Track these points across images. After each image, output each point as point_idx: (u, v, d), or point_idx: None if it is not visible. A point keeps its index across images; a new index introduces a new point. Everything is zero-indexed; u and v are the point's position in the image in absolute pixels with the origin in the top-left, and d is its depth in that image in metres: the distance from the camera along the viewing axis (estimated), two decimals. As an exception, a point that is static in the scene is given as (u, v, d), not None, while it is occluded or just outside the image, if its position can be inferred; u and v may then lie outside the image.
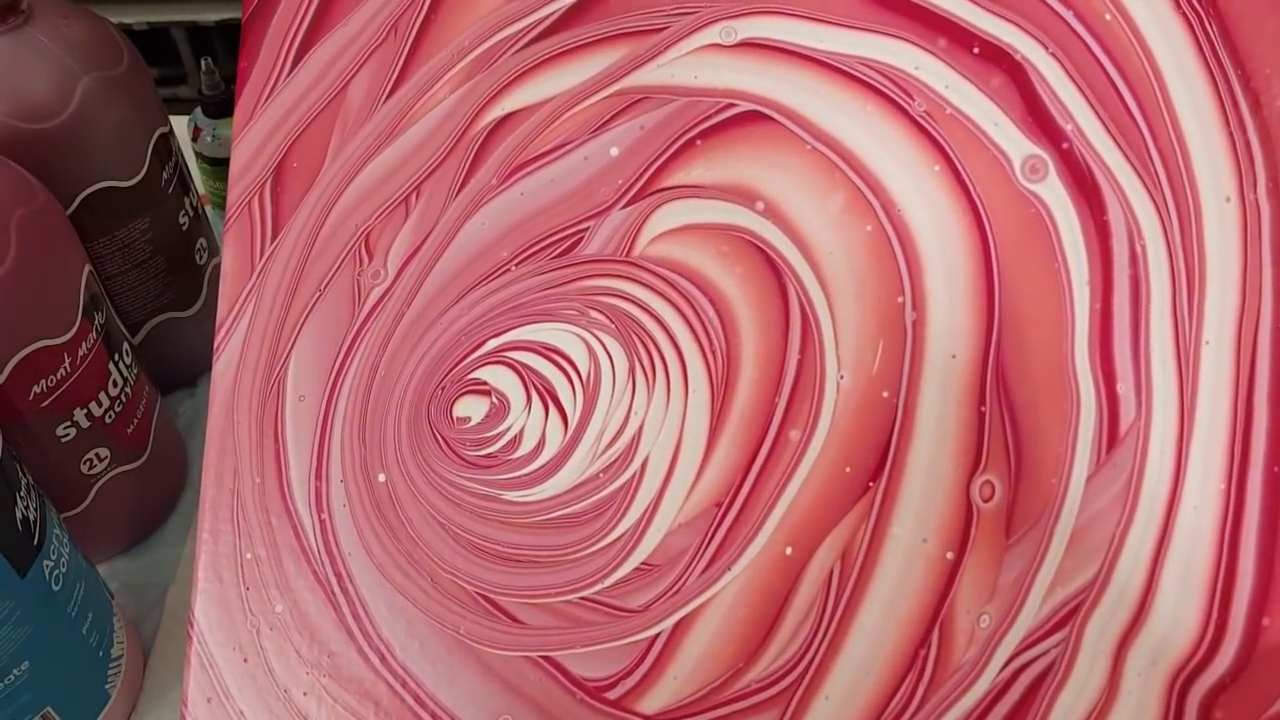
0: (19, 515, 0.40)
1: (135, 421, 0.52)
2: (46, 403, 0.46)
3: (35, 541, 0.41)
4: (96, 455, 0.50)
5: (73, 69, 0.49)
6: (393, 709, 0.37)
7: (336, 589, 0.38)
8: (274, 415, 0.38)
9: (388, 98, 0.38)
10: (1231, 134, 0.34)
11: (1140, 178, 0.34)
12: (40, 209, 0.44)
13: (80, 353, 0.46)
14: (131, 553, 0.57)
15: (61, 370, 0.46)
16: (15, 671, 0.41)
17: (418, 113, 0.38)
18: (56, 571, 0.42)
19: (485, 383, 0.38)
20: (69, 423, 0.48)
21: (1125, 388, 0.34)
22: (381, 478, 0.38)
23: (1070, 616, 0.34)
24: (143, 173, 0.53)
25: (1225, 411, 0.33)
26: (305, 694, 0.38)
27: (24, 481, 0.41)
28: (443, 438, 0.38)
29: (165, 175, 0.55)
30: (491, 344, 0.38)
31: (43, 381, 0.45)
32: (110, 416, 0.50)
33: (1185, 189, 0.34)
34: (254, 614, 0.38)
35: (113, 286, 0.56)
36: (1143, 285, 0.34)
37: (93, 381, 0.48)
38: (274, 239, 0.39)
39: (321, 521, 0.38)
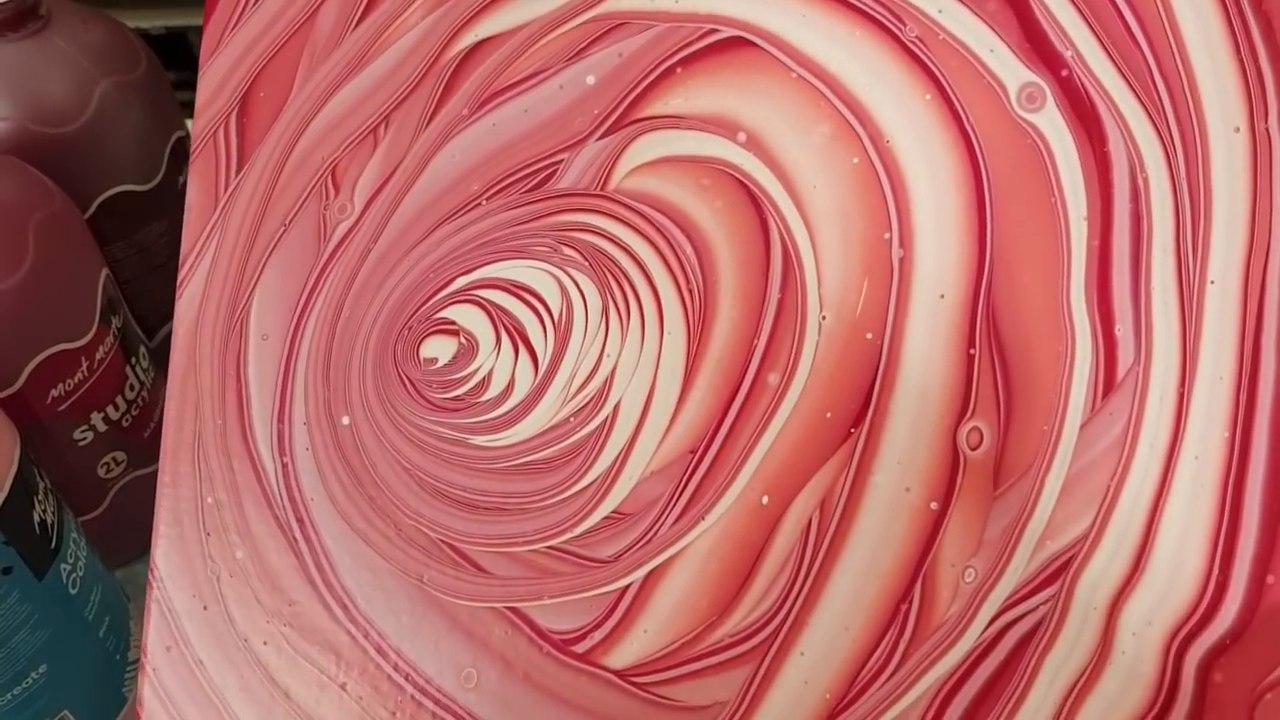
0: (37, 518, 0.38)
1: (152, 425, 0.51)
2: (64, 406, 0.44)
3: (53, 545, 0.39)
4: (114, 459, 0.49)
5: (90, 73, 0.47)
6: (354, 660, 0.34)
7: (298, 535, 0.35)
8: (236, 354, 0.35)
9: (357, 24, 0.35)
10: (1242, 60, 0.30)
11: (1144, 106, 0.30)
12: (58, 213, 0.43)
13: (98, 356, 0.45)
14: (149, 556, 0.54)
15: (79, 374, 0.44)
16: (33, 674, 0.39)
17: (388, 40, 0.35)
18: (74, 575, 0.41)
19: (454, 322, 0.34)
20: (86, 426, 0.46)
21: (1124, 329, 0.30)
22: (345, 420, 0.35)
23: (1061, 571, 0.30)
24: (160, 176, 0.52)
25: (1231, 355, 0.30)
26: (265, 643, 0.34)
27: (42, 485, 0.40)
28: (409, 379, 0.34)
29: (182, 179, 0.53)
30: (460, 281, 0.34)
31: (60, 385, 0.44)
32: (127, 420, 0.48)
33: (1191, 118, 0.30)
34: (214, 560, 0.35)
35: (130, 290, 0.54)
36: (1144, 221, 0.30)
37: (110, 385, 0.47)
38: (239, 171, 0.35)
39: (284, 465, 0.35)
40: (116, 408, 0.47)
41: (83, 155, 0.48)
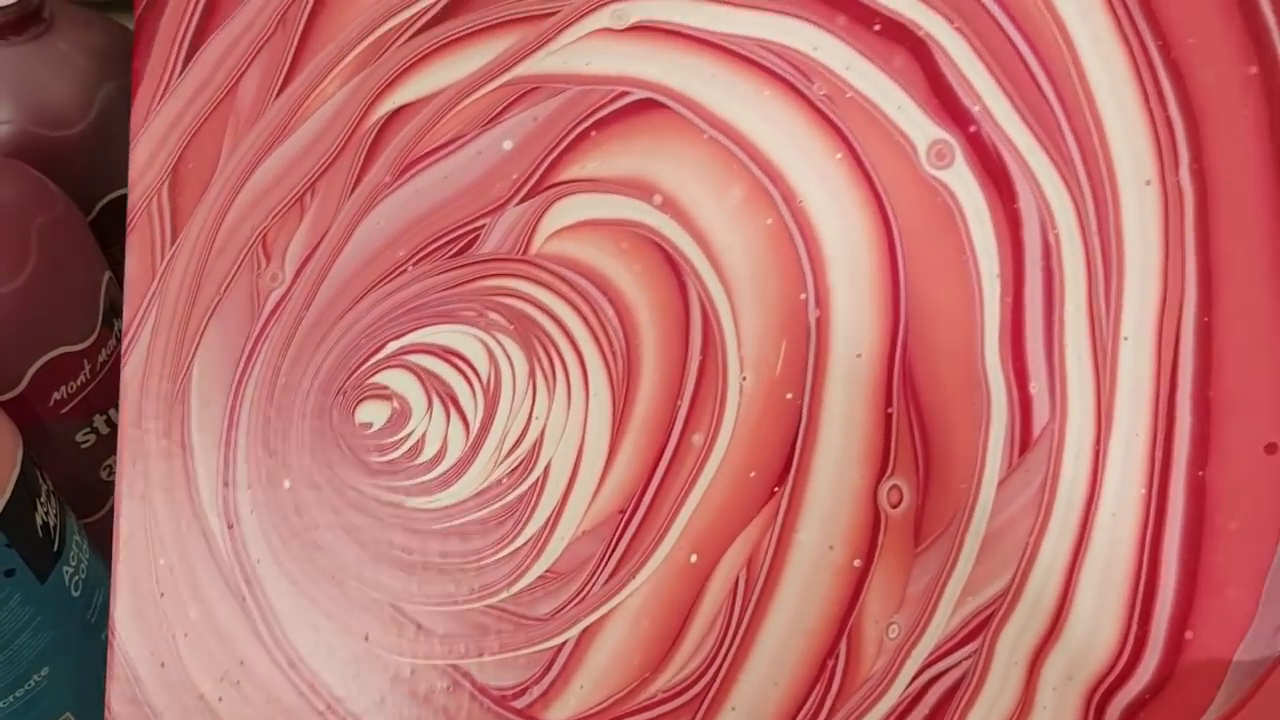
0: (39, 521, 0.38)
1: (155, 427, 0.50)
2: (67, 409, 0.44)
3: (55, 548, 0.39)
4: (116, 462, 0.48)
5: (93, 77, 0.47)
6: (303, 716, 0.35)
7: (247, 596, 0.35)
8: (180, 422, 0.35)
9: (278, 94, 0.35)
10: (1151, 111, 0.29)
11: (1053, 161, 0.30)
12: (61, 216, 0.42)
13: (100, 359, 0.44)
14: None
15: (82, 376, 0.44)
16: (35, 677, 0.39)
17: (309, 108, 0.35)
18: (76, 578, 0.40)
19: (386, 387, 0.34)
20: (89, 429, 0.46)
21: (1038, 387, 0.30)
22: (287, 484, 0.35)
23: (982, 627, 0.30)
24: (162, 178, 0.51)
25: (1145, 412, 0.29)
26: (220, 699, 0.35)
27: (44, 487, 0.39)
28: (346, 444, 0.35)
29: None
30: (391, 347, 0.34)
31: (63, 388, 0.43)
32: (130, 422, 0.47)
33: (1102, 172, 0.30)
34: (170, 620, 0.36)
35: (132, 292, 0.53)
36: (1056, 277, 0.30)
37: (113, 388, 0.45)
38: (174, 242, 0.35)
39: (230, 529, 0.35)
40: (119, 410, 0.47)
41: (85, 158, 0.48)
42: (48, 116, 0.46)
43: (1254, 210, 0.28)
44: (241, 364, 0.35)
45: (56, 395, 0.43)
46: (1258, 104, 0.28)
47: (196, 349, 0.35)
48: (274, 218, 0.35)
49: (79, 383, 0.44)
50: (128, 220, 0.36)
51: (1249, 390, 0.28)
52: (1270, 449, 0.28)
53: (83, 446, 0.46)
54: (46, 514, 0.39)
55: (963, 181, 0.30)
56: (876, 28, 0.30)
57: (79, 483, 0.48)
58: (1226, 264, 0.28)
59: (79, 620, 0.41)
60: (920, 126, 0.30)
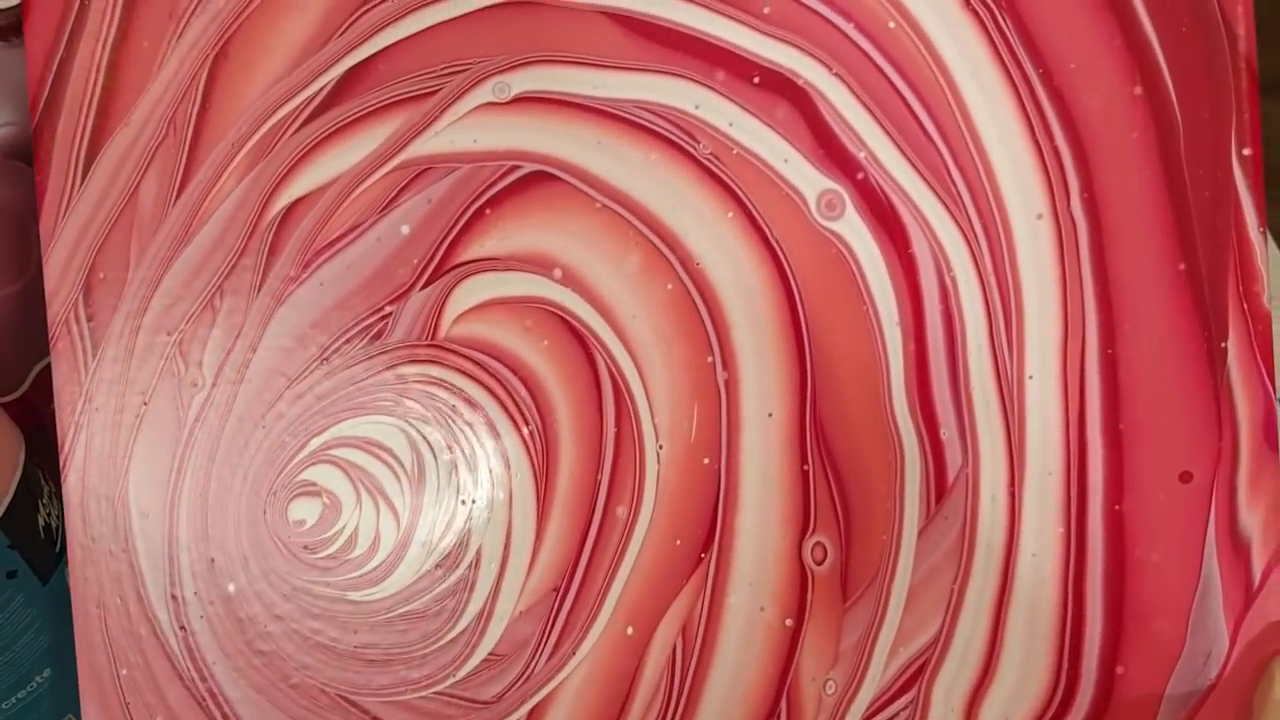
0: (41, 522, 0.38)
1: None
2: None
3: (57, 549, 0.39)
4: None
5: None
6: (276, 813, 0.35)
7: (208, 699, 0.36)
8: (124, 534, 0.36)
9: (177, 197, 0.35)
10: (1038, 141, 0.29)
11: (942, 202, 0.29)
12: None
13: None
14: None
15: None
16: (37, 679, 0.39)
17: (208, 209, 0.34)
18: None
19: (314, 483, 0.35)
20: None
21: (949, 433, 0.30)
22: (231, 588, 0.35)
23: (917, 676, 0.30)
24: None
25: (1057, 449, 0.29)
26: (195, 800, 0.36)
27: (46, 489, 0.39)
28: (282, 542, 0.35)
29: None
30: (314, 443, 0.34)
31: None
32: (130, 423, 0.47)
33: (992, 209, 0.29)
34: (138, 726, 0.36)
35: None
36: (956, 321, 0.30)
37: None
38: (95, 355, 0.36)
39: (183, 635, 0.36)
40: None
41: None
42: None
43: (1148, 235, 0.28)
44: (174, 472, 0.35)
45: None
46: (1145, 125, 0.28)
47: (129, 461, 0.35)
48: (187, 322, 0.35)
49: None
50: (49, 335, 0.36)
51: (1159, 420, 0.28)
52: (1185, 477, 0.28)
53: None
54: (49, 515, 0.39)
55: (854, 230, 0.30)
56: (756, 80, 0.30)
57: None
58: (1125, 293, 0.28)
59: None
60: (808, 178, 0.30)
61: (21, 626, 0.38)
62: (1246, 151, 0.27)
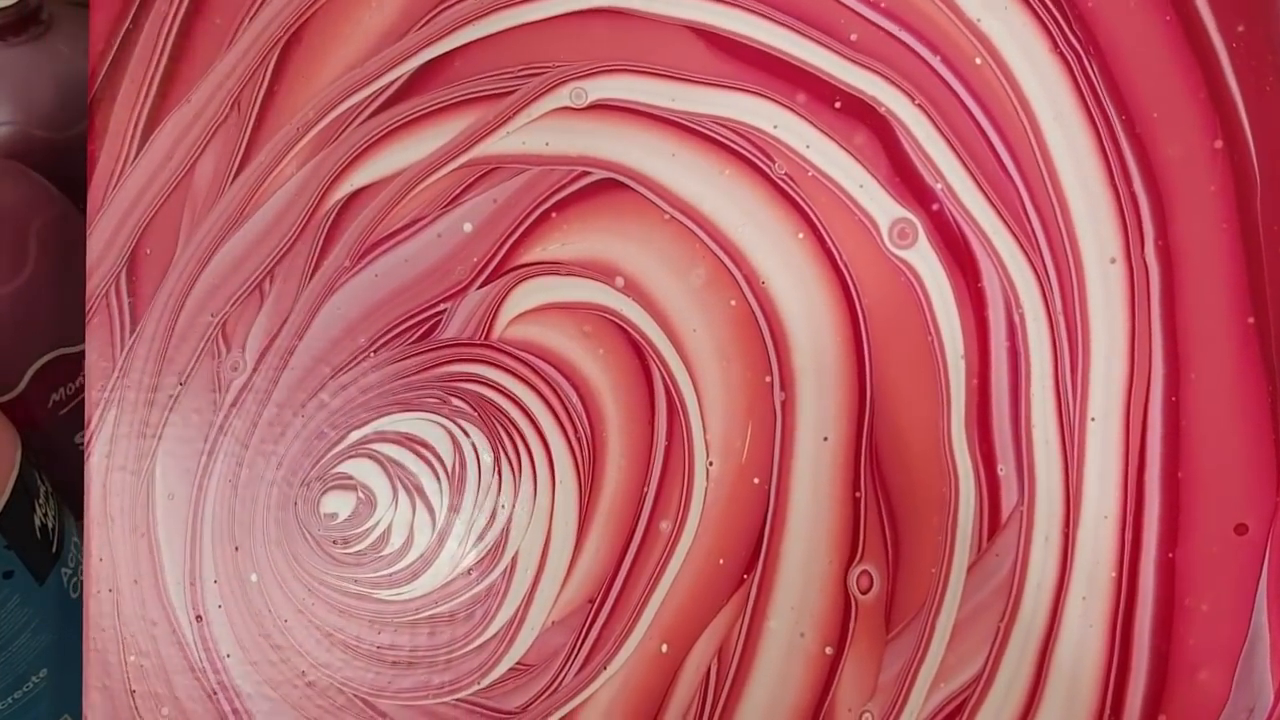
0: (38, 523, 0.38)
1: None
2: (65, 411, 0.44)
3: (54, 549, 0.39)
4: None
5: None
6: (279, 813, 0.35)
7: (218, 690, 0.35)
8: (146, 515, 0.36)
9: (234, 177, 0.35)
10: (1116, 187, 0.29)
11: (1016, 239, 0.30)
12: (59, 217, 0.43)
13: None
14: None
15: (80, 379, 0.43)
16: (34, 679, 0.39)
17: (265, 192, 0.35)
18: (74, 579, 0.41)
19: (351, 477, 0.35)
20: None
21: (1006, 469, 0.30)
22: (254, 578, 0.35)
23: (956, 714, 0.31)
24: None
25: (1114, 493, 0.30)
26: (195, 796, 0.36)
27: (43, 489, 0.39)
28: (311, 535, 0.35)
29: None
30: (354, 436, 0.35)
31: (61, 389, 0.43)
32: (128, 423, 0.47)
33: (1066, 250, 0.30)
34: (142, 715, 0.36)
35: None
36: (1022, 358, 0.30)
37: None
38: (133, 331, 0.36)
39: (198, 622, 0.35)
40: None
41: (84, 160, 0.47)
42: (46, 118, 0.46)
43: (1220, 287, 0.29)
44: (204, 456, 0.35)
45: (55, 396, 0.44)
46: (1224, 179, 0.29)
47: (159, 440, 0.35)
48: (233, 304, 0.35)
49: (77, 384, 0.44)
50: (86, 308, 0.36)
51: (1218, 470, 0.29)
52: (1240, 529, 0.28)
53: (81, 448, 0.45)
54: (45, 515, 0.39)
55: (926, 261, 0.30)
56: (837, 105, 0.31)
57: (78, 484, 0.47)
58: (1193, 342, 0.29)
59: (78, 622, 0.40)
60: (882, 205, 0.30)
61: (18, 626, 0.38)
62: (1320, 213, 0.28)
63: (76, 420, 0.44)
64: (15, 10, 0.44)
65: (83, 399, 0.42)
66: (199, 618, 0.35)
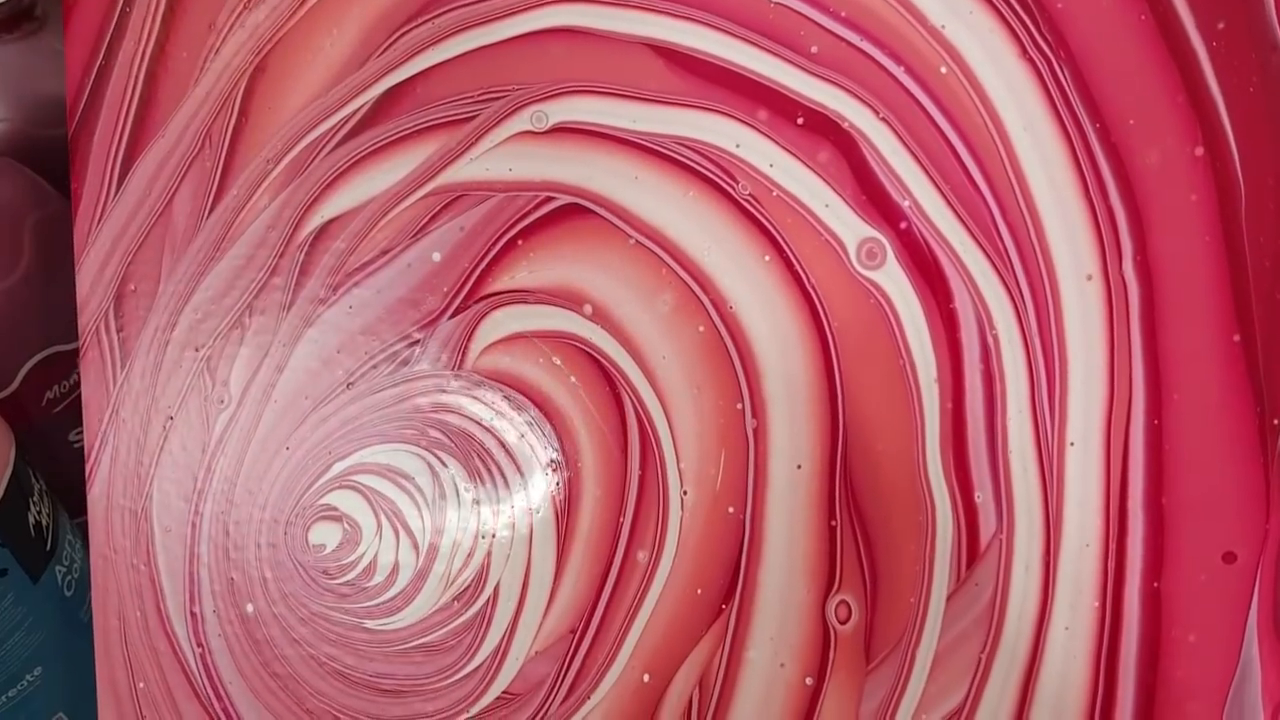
0: (32, 520, 0.38)
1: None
2: (59, 409, 0.45)
3: (48, 547, 0.40)
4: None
5: None
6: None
7: (222, 718, 0.37)
8: (145, 548, 0.37)
9: (210, 211, 0.35)
10: (1091, 199, 0.28)
11: (988, 257, 0.29)
12: (54, 215, 0.43)
13: None
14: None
15: (74, 376, 0.44)
16: (28, 677, 0.40)
17: (241, 225, 0.35)
18: (69, 577, 0.41)
19: (336, 508, 0.35)
20: (81, 429, 0.44)
21: (984, 496, 0.30)
22: (250, 609, 0.36)
23: (939, 745, 0.30)
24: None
25: (1096, 521, 0.29)
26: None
27: (37, 487, 0.40)
28: (302, 566, 0.36)
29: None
30: (337, 468, 0.35)
31: (55, 387, 0.44)
32: (123, 421, 0.48)
33: (1040, 267, 0.29)
34: (154, 742, 0.37)
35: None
36: (997, 381, 0.29)
37: None
38: (124, 366, 0.37)
39: (200, 652, 0.36)
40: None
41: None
42: (41, 115, 0.47)
43: (1203, 303, 0.27)
44: (197, 488, 0.36)
45: (49, 394, 0.44)
46: (1205, 188, 0.27)
47: (153, 475, 0.36)
48: (216, 339, 0.35)
49: (71, 382, 0.45)
50: (80, 344, 0.37)
51: (1205, 496, 0.28)
52: (1228, 558, 0.27)
53: (75, 446, 0.47)
54: (39, 513, 0.40)
55: (895, 282, 0.29)
56: (800, 121, 0.30)
57: (72, 482, 0.48)
58: (1176, 362, 0.28)
59: (72, 620, 0.42)
60: (849, 224, 0.30)
61: (12, 625, 0.38)
62: (1311, 220, 0.27)
63: (70, 417, 0.45)
64: (9, 7, 0.45)
65: (76, 397, 0.43)
66: (201, 645, 0.36)
